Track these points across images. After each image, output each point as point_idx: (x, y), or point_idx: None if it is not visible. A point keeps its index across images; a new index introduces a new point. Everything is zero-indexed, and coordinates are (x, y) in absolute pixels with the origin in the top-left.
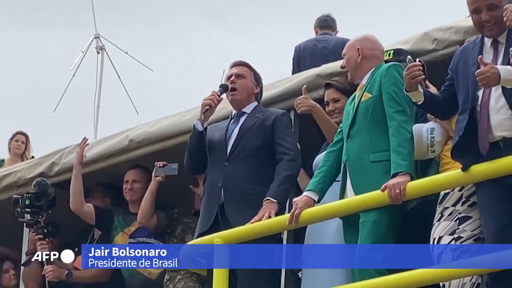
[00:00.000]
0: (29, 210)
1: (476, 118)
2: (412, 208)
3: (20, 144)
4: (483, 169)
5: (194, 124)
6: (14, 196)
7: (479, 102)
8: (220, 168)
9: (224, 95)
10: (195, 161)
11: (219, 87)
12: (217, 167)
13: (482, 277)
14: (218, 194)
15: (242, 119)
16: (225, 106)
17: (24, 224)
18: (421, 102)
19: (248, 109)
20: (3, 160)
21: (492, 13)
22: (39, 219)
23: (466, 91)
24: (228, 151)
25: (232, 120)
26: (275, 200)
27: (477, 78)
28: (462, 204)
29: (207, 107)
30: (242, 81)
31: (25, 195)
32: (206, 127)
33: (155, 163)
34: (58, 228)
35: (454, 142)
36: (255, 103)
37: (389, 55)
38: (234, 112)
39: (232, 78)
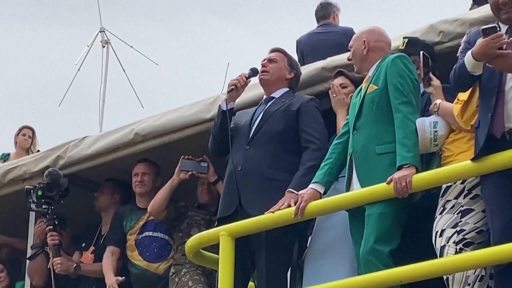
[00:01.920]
0: (41, 200)
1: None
2: (416, 201)
3: (27, 138)
4: (489, 161)
5: (219, 105)
6: (26, 187)
7: (500, 82)
8: (240, 152)
9: (254, 79)
10: (219, 142)
11: (249, 70)
12: (238, 151)
13: (485, 269)
14: (236, 178)
15: (269, 104)
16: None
17: (35, 214)
18: (478, 74)
19: (277, 94)
20: (8, 154)
21: None
22: (50, 210)
23: (491, 69)
24: (250, 135)
25: (260, 105)
26: (297, 192)
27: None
28: (464, 197)
29: (233, 87)
30: (274, 65)
31: (37, 185)
32: (232, 108)
33: (182, 156)
34: (65, 221)
35: (486, 123)
36: (286, 89)
37: (403, 44)
38: (264, 97)
39: (264, 62)
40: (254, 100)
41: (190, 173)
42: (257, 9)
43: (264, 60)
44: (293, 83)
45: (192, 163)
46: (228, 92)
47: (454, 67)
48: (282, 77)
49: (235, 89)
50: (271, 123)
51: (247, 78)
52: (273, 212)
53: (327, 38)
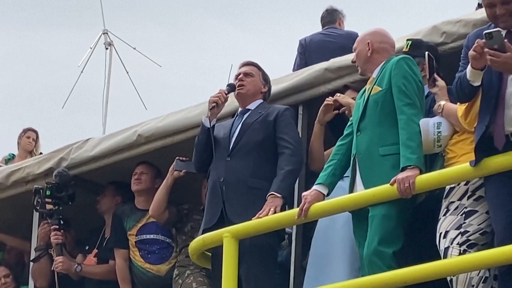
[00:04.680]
0: (49, 200)
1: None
2: (419, 203)
3: (31, 141)
4: (493, 162)
5: (202, 121)
6: (35, 186)
7: (499, 92)
8: (222, 163)
9: (231, 94)
10: (204, 159)
11: (227, 86)
12: (220, 162)
13: (489, 271)
14: (220, 189)
15: (246, 115)
16: (232, 102)
17: (38, 216)
18: (477, 85)
19: (252, 106)
20: (13, 156)
21: (506, 7)
22: (56, 210)
23: (489, 76)
24: (231, 147)
25: (237, 117)
26: (279, 195)
27: (488, 57)
28: (468, 198)
29: (214, 104)
30: (251, 79)
31: (46, 185)
32: (214, 125)
33: (176, 157)
34: (68, 223)
35: (480, 132)
36: (261, 101)
37: (407, 46)
38: (239, 109)
39: (240, 76)
40: (228, 112)
41: (183, 171)
42: (262, 12)
43: (240, 74)
44: (266, 96)
45: (185, 163)
46: (210, 109)
47: (458, 76)
48: (258, 91)
49: (216, 106)
50: (250, 134)
51: (226, 94)
52: (260, 217)
53: (332, 40)
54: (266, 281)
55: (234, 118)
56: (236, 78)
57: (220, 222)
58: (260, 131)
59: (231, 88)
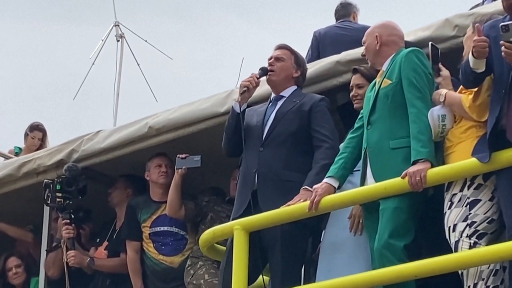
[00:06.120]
0: (59, 194)
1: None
2: (430, 195)
3: (36, 142)
4: (505, 156)
5: (232, 106)
6: (45, 180)
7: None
8: (254, 153)
9: (264, 78)
10: (233, 144)
11: (259, 69)
12: (252, 152)
13: (499, 263)
14: (252, 180)
15: (280, 103)
16: (267, 88)
17: (49, 208)
18: (482, 71)
19: (286, 93)
20: (20, 149)
21: None
22: (67, 204)
23: (501, 68)
24: (264, 136)
25: (270, 104)
26: (312, 189)
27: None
28: (468, 188)
29: (245, 88)
30: (281, 64)
31: (56, 179)
32: (245, 110)
33: (177, 155)
34: (89, 214)
35: (491, 124)
36: (295, 87)
37: None
38: (272, 95)
39: (271, 61)
40: (263, 96)
41: (185, 168)
42: (273, 6)
43: (271, 58)
44: (299, 80)
45: (185, 160)
46: (241, 94)
47: (462, 64)
48: (289, 76)
49: (247, 90)
50: (284, 124)
51: (258, 78)
52: (288, 205)
53: (346, 33)
54: (293, 270)
55: (267, 104)
56: (268, 62)
57: (247, 212)
58: (294, 122)
59: (263, 72)
